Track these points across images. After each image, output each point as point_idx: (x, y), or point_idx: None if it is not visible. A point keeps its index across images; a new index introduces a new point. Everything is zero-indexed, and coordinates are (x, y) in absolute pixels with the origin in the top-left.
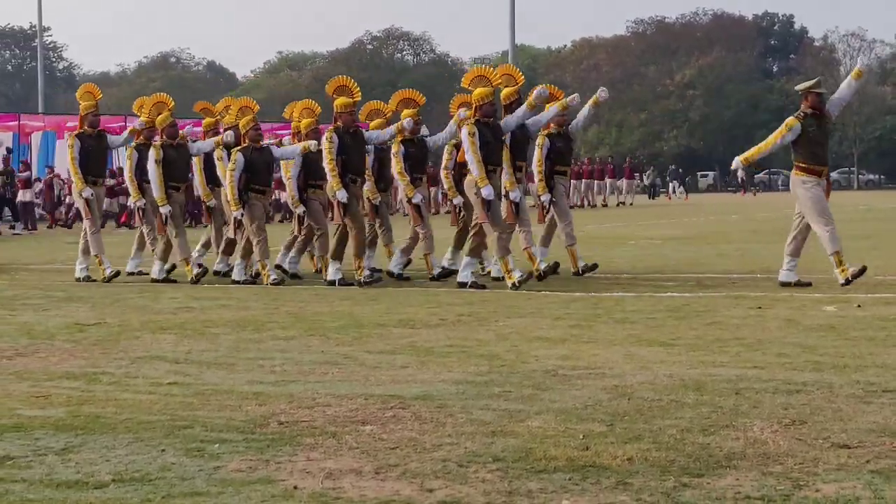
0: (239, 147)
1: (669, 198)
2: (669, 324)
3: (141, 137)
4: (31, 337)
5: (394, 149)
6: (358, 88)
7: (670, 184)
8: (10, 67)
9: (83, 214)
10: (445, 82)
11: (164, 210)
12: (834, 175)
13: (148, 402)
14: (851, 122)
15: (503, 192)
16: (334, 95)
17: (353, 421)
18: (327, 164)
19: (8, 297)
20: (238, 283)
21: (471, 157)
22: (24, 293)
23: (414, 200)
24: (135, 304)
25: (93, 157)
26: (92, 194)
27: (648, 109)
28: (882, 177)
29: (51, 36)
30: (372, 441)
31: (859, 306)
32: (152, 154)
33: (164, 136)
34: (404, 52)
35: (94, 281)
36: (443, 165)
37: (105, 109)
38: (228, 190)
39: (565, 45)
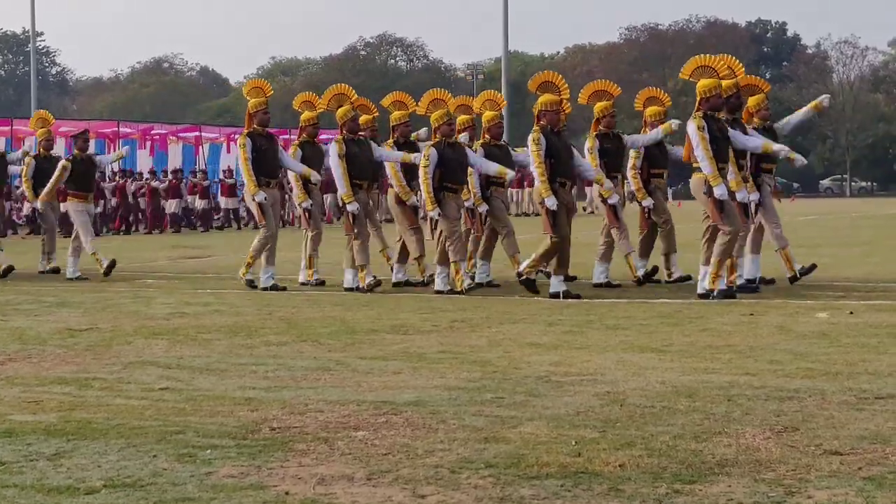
0: (432, 142)
1: None
2: (662, 330)
3: (304, 134)
4: (22, 342)
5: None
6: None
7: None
8: (2, 72)
9: (257, 219)
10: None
11: (352, 208)
12: (826, 182)
13: (140, 408)
14: (844, 130)
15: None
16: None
17: (345, 427)
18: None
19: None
20: (442, 292)
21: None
22: (16, 298)
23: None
24: (127, 309)
25: (266, 158)
26: (266, 198)
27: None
28: (874, 184)
29: (43, 41)
30: (364, 447)
31: (851, 313)
32: (334, 149)
33: (346, 131)
34: (398, 58)
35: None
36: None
37: (97, 115)
38: (423, 188)
39: (558, 52)
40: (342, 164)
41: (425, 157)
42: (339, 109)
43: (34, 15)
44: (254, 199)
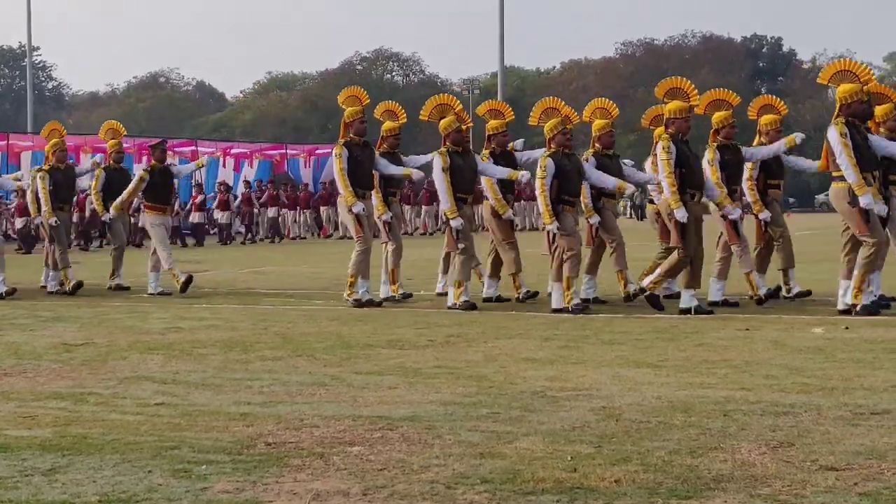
0: (548, 152)
1: None
2: (658, 345)
3: (385, 145)
4: (17, 357)
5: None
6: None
7: None
8: None
9: (353, 232)
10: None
11: (456, 224)
12: (822, 197)
13: (135, 423)
14: None
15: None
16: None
17: (340, 442)
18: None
19: None
20: (559, 311)
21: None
22: (12, 313)
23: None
24: (122, 324)
25: (362, 168)
26: (363, 209)
27: (637, 131)
28: None
29: (40, 55)
30: (359, 462)
31: (847, 328)
32: (438, 161)
33: (450, 142)
34: (394, 73)
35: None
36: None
37: (94, 129)
38: (541, 201)
39: (554, 67)
40: (447, 178)
41: (542, 169)
42: (443, 120)
43: (30, 29)
44: (351, 211)
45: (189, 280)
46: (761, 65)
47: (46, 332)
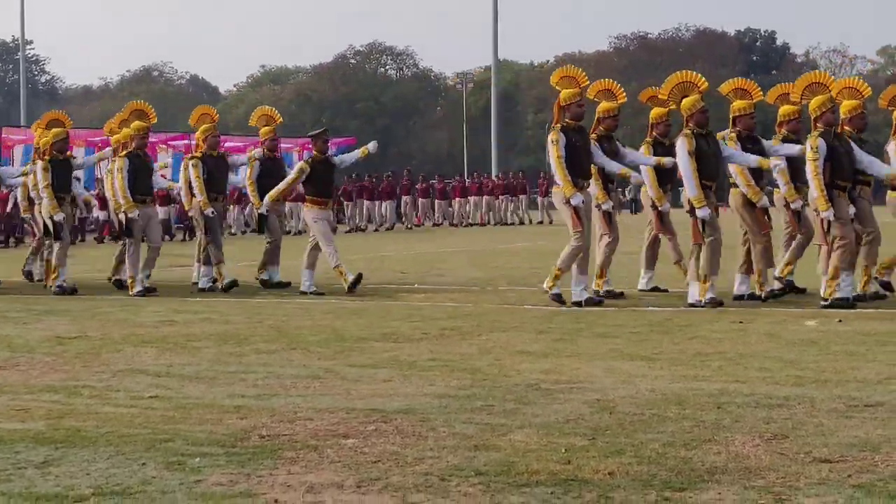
0: (817, 132)
1: None
2: (651, 338)
3: (602, 127)
4: (11, 350)
5: None
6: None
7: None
8: None
9: (569, 226)
10: (428, 97)
11: (703, 214)
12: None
13: (129, 416)
14: None
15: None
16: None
17: (334, 434)
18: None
19: None
20: (845, 302)
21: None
22: (4, 306)
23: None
24: (116, 317)
25: (579, 156)
26: (583, 201)
27: (629, 124)
28: None
29: (33, 49)
30: (353, 455)
31: (840, 321)
32: (683, 144)
33: (693, 124)
34: (387, 67)
35: None
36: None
37: (87, 123)
38: (815, 184)
39: (548, 61)
40: (692, 163)
41: (813, 150)
42: (686, 100)
43: (24, 23)
44: (569, 203)
45: (358, 279)
46: (755, 58)
47: (40, 325)
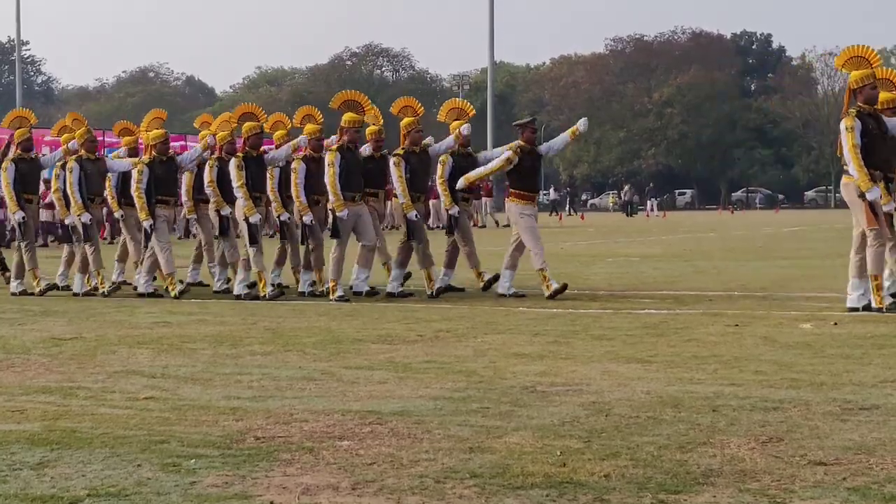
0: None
1: (648, 215)
2: (647, 341)
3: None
4: (6, 351)
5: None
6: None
7: (648, 201)
8: None
9: (863, 223)
10: (424, 99)
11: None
12: (811, 194)
13: (124, 417)
14: (829, 142)
15: None
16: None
17: (330, 436)
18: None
19: None
20: None
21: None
22: (0, 307)
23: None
24: (112, 318)
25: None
26: (879, 196)
27: (627, 127)
28: None
29: (29, 50)
30: (349, 456)
31: (836, 324)
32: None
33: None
34: (383, 69)
35: None
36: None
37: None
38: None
39: (544, 63)
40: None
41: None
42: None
43: (19, 24)
44: (863, 197)
45: (563, 288)
46: (751, 61)
47: (35, 326)
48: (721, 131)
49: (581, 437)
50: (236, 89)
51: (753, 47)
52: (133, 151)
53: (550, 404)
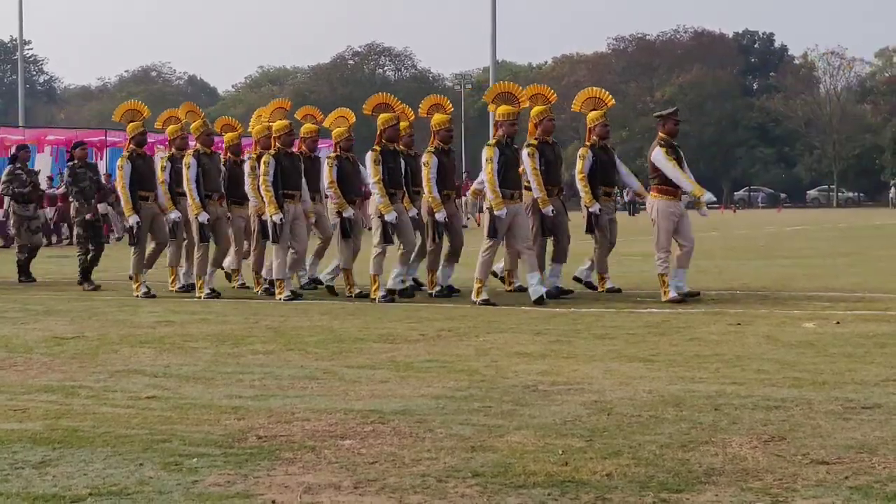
0: None
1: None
2: (649, 340)
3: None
4: (8, 350)
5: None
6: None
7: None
8: None
9: None
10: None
11: None
12: (813, 193)
13: (126, 416)
14: (831, 141)
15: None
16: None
17: (332, 435)
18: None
19: None
20: None
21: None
22: (2, 306)
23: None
24: (114, 317)
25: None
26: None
27: (629, 126)
28: (861, 195)
29: (31, 49)
30: (351, 455)
31: (838, 323)
32: None
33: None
34: (386, 68)
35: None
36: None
37: (85, 124)
38: None
39: (546, 62)
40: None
41: None
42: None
43: (22, 23)
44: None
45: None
46: (753, 60)
47: (37, 325)
48: (723, 130)
49: (583, 436)
50: (238, 89)
51: (755, 46)
52: (183, 143)
53: (552, 403)
